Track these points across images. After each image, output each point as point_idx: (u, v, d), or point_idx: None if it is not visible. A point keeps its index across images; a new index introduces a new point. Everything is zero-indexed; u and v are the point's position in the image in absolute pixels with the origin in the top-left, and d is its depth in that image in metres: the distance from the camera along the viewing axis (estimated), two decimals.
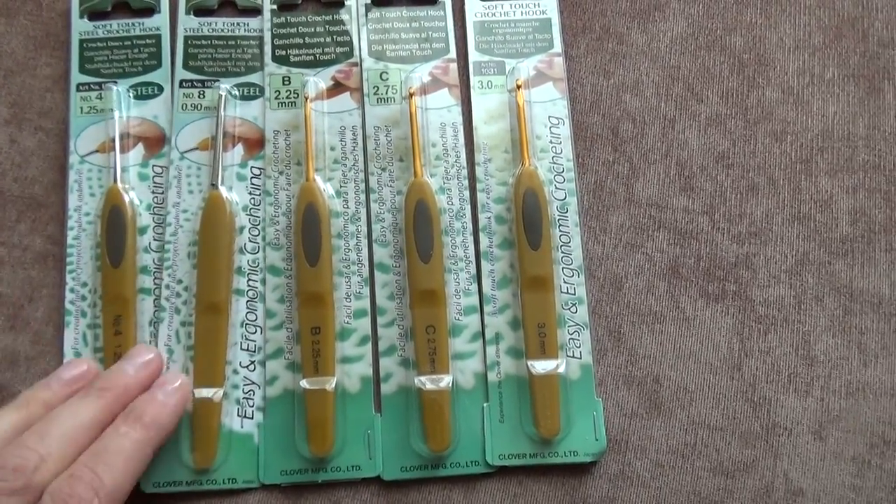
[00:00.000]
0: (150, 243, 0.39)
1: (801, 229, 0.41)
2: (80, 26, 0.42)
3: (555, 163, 0.41)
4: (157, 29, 0.42)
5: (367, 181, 0.40)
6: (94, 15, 0.42)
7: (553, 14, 0.43)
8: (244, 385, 0.38)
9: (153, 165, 0.40)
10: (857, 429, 0.38)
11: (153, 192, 0.40)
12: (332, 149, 0.40)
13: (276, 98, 0.41)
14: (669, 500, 0.38)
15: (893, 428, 0.38)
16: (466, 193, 0.40)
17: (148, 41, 0.42)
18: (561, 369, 0.37)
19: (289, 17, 0.42)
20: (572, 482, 0.38)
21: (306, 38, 0.42)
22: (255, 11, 0.42)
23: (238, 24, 0.42)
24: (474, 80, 0.42)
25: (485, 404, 0.38)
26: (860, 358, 0.39)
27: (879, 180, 0.41)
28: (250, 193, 0.40)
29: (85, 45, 0.42)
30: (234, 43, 0.41)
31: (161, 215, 0.39)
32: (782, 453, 0.38)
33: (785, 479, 0.38)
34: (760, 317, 0.40)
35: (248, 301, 0.38)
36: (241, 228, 0.39)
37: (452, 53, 0.42)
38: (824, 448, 0.38)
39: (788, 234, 0.41)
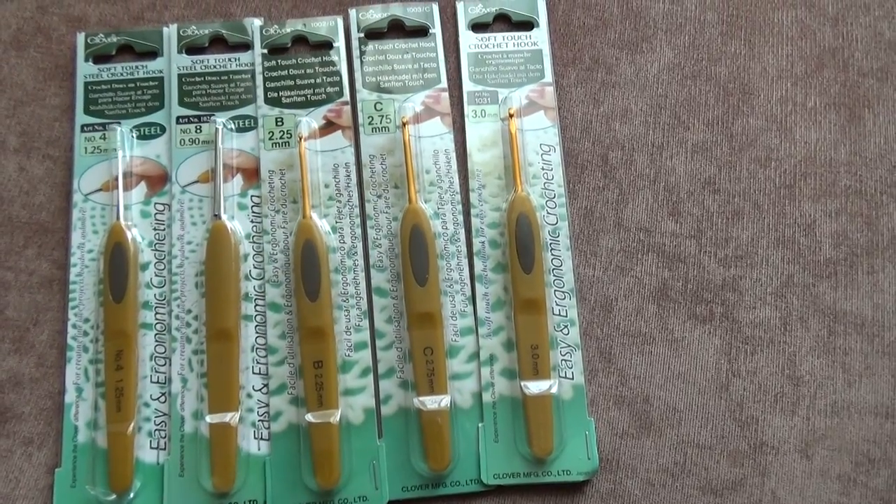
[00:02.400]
0: (151, 279, 0.40)
1: (786, 252, 0.42)
2: (85, 69, 0.43)
3: (546, 189, 0.42)
4: (160, 72, 0.43)
5: (363, 208, 0.42)
6: (99, 58, 0.44)
7: (544, 46, 0.44)
8: (258, 408, 0.38)
9: (155, 203, 0.41)
10: (843, 447, 0.39)
11: (155, 229, 0.41)
12: (327, 186, 0.42)
13: (270, 139, 0.42)
14: None
15: (878, 446, 0.39)
16: (461, 218, 0.42)
17: (151, 83, 0.43)
18: (554, 390, 0.38)
19: (279, 60, 0.43)
20: (565, 501, 0.38)
21: (297, 80, 0.43)
22: (245, 46, 0.44)
23: (230, 59, 0.43)
24: (468, 109, 0.43)
25: (480, 424, 0.39)
26: (845, 378, 0.40)
27: (861, 205, 0.43)
28: (252, 221, 0.41)
29: (90, 87, 0.43)
30: (226, 78, 0.43)
31: (163, 251, 0.40)
32: (770, 472, 0.39)
33: (773, 497, 0.39)
34: (747, 338, 0.41)
35: (256, 326, 0.39)
36: (246, 256, 0.41)
37: (444, 83, 0.43)
38: (811, 466, 0.39)
39: (773, 257, 0.42)
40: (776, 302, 0.41)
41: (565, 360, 0.40)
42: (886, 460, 0.39)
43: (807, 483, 0.39)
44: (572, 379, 0.39)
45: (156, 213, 0.41)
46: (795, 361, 0.40)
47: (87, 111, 0.43)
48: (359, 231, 0.41)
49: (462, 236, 0.41)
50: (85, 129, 0.42)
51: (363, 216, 0.42)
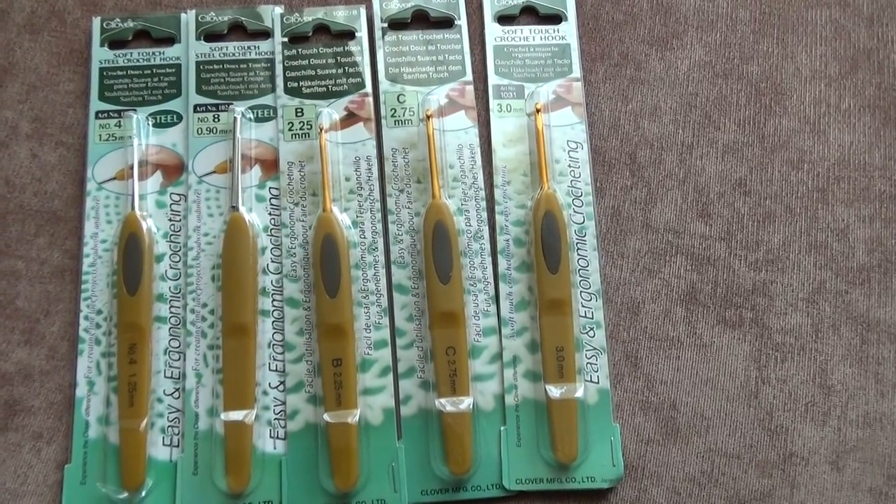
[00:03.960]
0: (166, 271, 0.39)
1: (818, 258, 0.41)
2: (101, 54, 0.42)
3: (573, 187, 0.41)
4: (177, 58, 0.42)
5: (384, 203, 0.40)
6: (115, 43, 0.43)
7: (572, 40, 0.43)
8: (275, 406, 0.37)
9: (171, 193, 0.40)
10: (875, 460, 0.38)
11: (170, 220, 0.40)
12: (348, 179, 0.40)
13: (290, 129, 0.41)
14: None
15: None
16: (485, 215, 0.40)
17: (168, 70, 0.42)
18: (579, 394, 0.37)
19: (300, 49, 0.42)
20: None
21: (318, 70, 0.42)
22: (265, 35, 0.43)
23: (248, 47, 0.42)
24: (493, 104, 0.42)
25: (502, 428, 0.38)
26: (877, 388, 0.39)
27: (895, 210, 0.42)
28: (270, 214, 0.40)
29: (105, 73, 0.42)
30: (245, 66, 0.42)
31: (178, 243, 0.39)
32: (799, 483, 0.38)
33: None
34: (777, 344, 0.40)
35: (273, 321, 0.38)
36: (263, 249, 0.39)
37: (469, 76, 0.42)
38: (841, 479, 0.38)
39: (805, 262, 0.41)
40: (808, 308, 0.40)
41: (590, 364, 0.38)
42: None
43: (837, 496, 0.38)
44: (597, 383, 0.38)
45: (171, 204, 0.40)
46: (827, 370, 0.39)
47: (101, 97, 0.42)
48: (380, 226, 0.40)
49: (486, 234, 0.40)
50: (99, 115, 0.41)
51: (384, 211, 0.40)
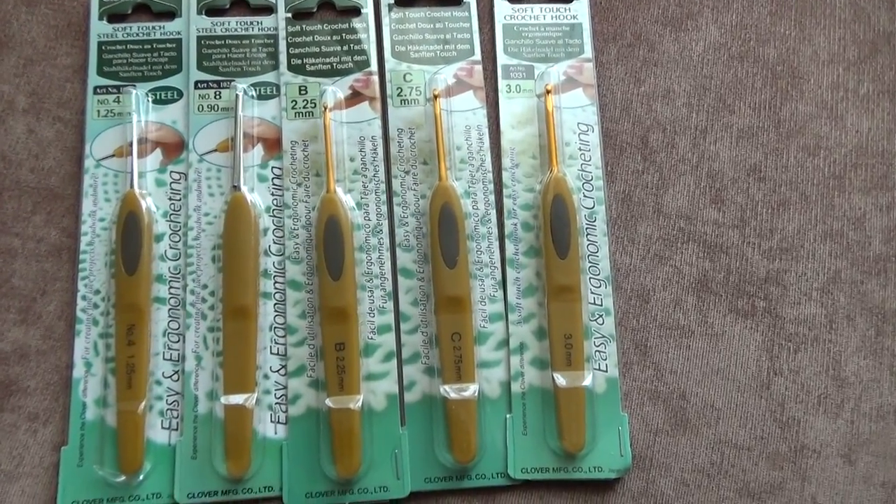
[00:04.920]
0: (166, 251, 0.38)
1: (833, 247, 0.40)
2: (99, 28, 0.41)
3: (583, 170, 0.40)
4: (178, 33, 0.41)
5: (389, 184, 0.39)
6: (114, 17, 0.41)
7: (584, 19, 0.42)
8: (276, 390, 0.36)
9: (171, 171, 0.39)
10: (888, 453, 0.37)
11: (170, 199, 0.39)
12: (352, 159, 0.39)
13: (293, 108, 0.40)
14: None
15: None
16: (492, 198, 0.39)
17: (168, 45, 0.41)
18: (587, 382, 0.36)
19: (304, 26, 0.41)
20: (595, 499, 0.37)
21: (322, 47, 0.41)
22: (268, 10, 0.41)
23: (251, 23, 0.41)
24: (502, 84, 0.41)
25: (508, 415, 0.37)
26: (892, 380, 0.38)
27: None
28: (272, 194, 0.39)
29: (104, 47, 0.41)
30: (248, 42, 0.41)
31: (178, 223, 0.38)
32: (810, 476, 0.37)
33: (812, 502, 0.37)
34: (790, 335, 0.39)
35: (275, 304, 0.37)
36: (265, 230, 0.39)
37: (477, 55, 0.41)
38: (853, 472, 0.37)
39: (820, 251, 0.40)
40: (822, 298, 0.39)
41: (599, 352, 0.38)
42: None
43: (849, 489, 0.37)
44: (606, 371, 0.37)
45: (171, 183, 0.39)
46: (840, 361, 0.38)
47: (100, 72, 0.40)
48: (385, 208, 0.39)
49: (493, 217, 0.39)
50: (98, 91, 0.40)
51: (389, 193, 0.39)
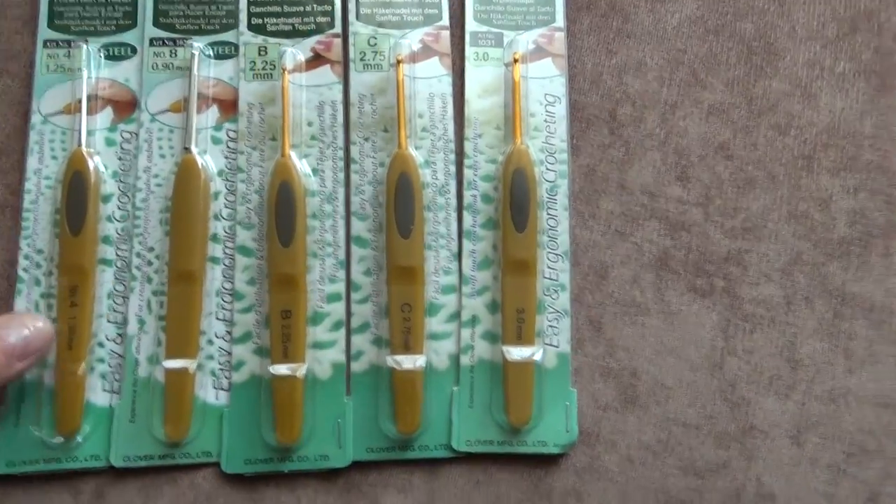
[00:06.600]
0: (113, 212, 0.38)
1: (798, 228, 0.39)
2: None
3: (548, 143, 0.39)
4: None
5: (347, 151, 0.39)
6: None
7: None
8: (220, 356, 0.36)
9: (122, 131, 0.38)
10: (836, 436, 0.37)
11: (120, 159, 0.38)
12: (310, 124, 0.38)
13: (252, 69, 0.39)
14: (636, 496, 0.37)
15: (873, 437, 0.37)
16: (452, 168, 0.39)
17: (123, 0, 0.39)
18: (537, 357, 0.36)
19: None
20: (538, 473, 0.37)
21: (284, 6, 0.40)
22: None
23: None
24: (470, 52, 0.40)
25: (455, 388, 0.37)
26: (846, 364, 0.38)
27: (882, 182, 0.40)
28: (226, 157, 0.38)
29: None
30: None
31: (127, 183, 0.38)
32: (757, 456, 0.37)
33: (757, 482, 0.37)
34: (747, 315, 0.38)
35: (223, 269, 0.37)
36: (217, 194, 0.38)
37: (445, 20, 0.40)
38: (800, 453, 0.37)
39: (784, 231, 0.39)
40: (782, 279, 0.39)
41: (552, 327, 0.37)
42: (880, 452, 0.37)
43: (794, 470, 0.37)
44: (557, 347, 0.37)
45: (122, 142, 0.38)
46: (796, 343, 0.38)
47: (51, 25, 0.39)
48: (341, 175, 0.38)
49: (453, 188, 0.39)
50: (48, 44, 0.39)
51: (347, 159, 0.39)
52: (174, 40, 0.39)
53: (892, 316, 0.39)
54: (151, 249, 0.37)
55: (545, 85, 0.39)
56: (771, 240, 0.39)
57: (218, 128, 0.39)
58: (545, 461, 0.37)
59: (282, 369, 0.35)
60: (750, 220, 0.39)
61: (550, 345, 0.37)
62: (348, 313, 0.37)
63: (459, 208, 0.38)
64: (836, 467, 0.37)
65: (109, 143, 0.38)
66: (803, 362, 0.38)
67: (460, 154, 0.39)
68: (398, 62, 0.38)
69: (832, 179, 0.40)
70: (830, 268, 0.39)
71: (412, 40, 0.40)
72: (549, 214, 0.38)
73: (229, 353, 0.37)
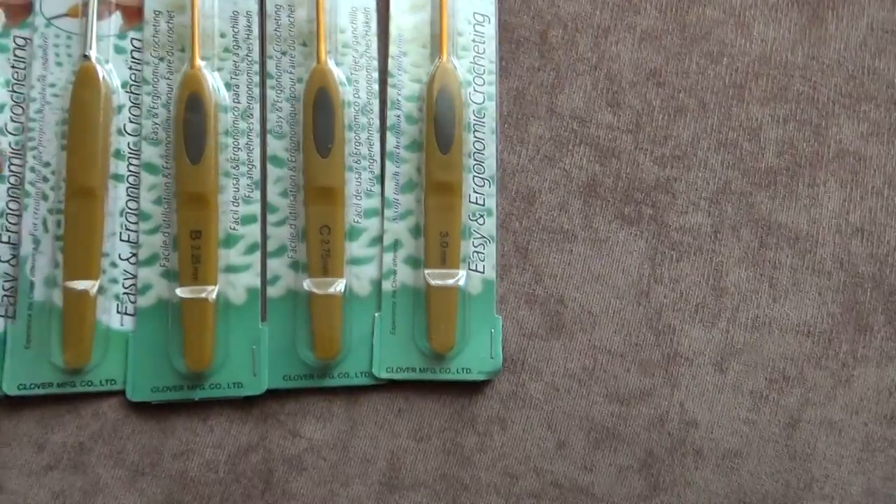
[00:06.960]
0: (6, 124, 0.35)
1: (727, 156, 0.39)
2: None
3: (476, 63, 0.37)
4: None
5: (263, 66, 0.36)
6: None
7: None
8: (124, 279, 0.34)
9: (15, 36, 0.35)
10: (759, 363, 0.38)
11: (14, 67, 0.35)
12: (223, 35, 0.36)
13: None
14: (561, 423, 0.36)
15: (795, 365, 0.38)
16: (375, 87, 0.37)
17: None
18: (461, 282, 0.35)
19: None
20: (462, 400, 0.36)
21: None
22: None
23: None
24: None
25: (376, 314, 0.35)
26: (770, 293, 0.38)
27: (812, 113, 0.40)
28: (130, 69, 0.36)
29: None
30: None
31: (21, 93, 0.35)
32: (680, 383, 0.37)
33: (680, 409, 0.37)
34: (674, 243, 0.38)
35: (128, 188, 0.35)
36: (120, 108, 0.35)
37: None
38: (723, 380, 0.37)
39: (713, 160, 0.39)
40: (709, 208, 0.38)
41: (477, 253, 0.36)
42: (801, 379, 0.38)
43: (717, 397, 0.37)
44: (483, 273, 0.36)
45: (15, 49, 0.35)
46: (722, 272, 0.38)
47: None
48: (257, 91, 0.36)
49: (376, 107, 0.37)
50: None
51: (263, 74, 0.36)
52: None
53: (817, 246, 0.39)
54: (47, 164, 0.34)
55: (474, 3, 0.38)
56: (700, 168, 0.39)
57: (122, 36, 0.36)
58: (469, 389, 0.36)
59: (190, 292, 0.33)
60: (679, 147, 0.39)
61: (476, 270, 0.36)
62: (264, 236, 0.35)
63: (382, 129, 0.37)
64: (759, 394, 0.37)
65: (2, 49, 0.35)
66: (728, 290, 0.38)
67: (384, 72, 0.37)
68: None
69: (762, 109, 0.39)
70: (758, 197, 0.39)
71: None
72: (475, 137, 0.37)
73: (134, 276, 0.34)
